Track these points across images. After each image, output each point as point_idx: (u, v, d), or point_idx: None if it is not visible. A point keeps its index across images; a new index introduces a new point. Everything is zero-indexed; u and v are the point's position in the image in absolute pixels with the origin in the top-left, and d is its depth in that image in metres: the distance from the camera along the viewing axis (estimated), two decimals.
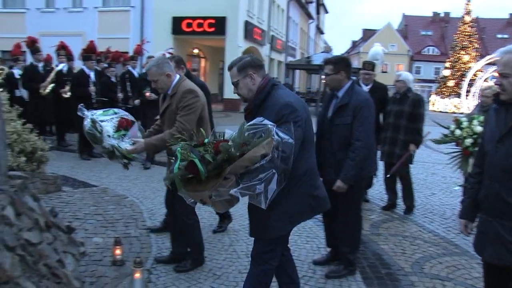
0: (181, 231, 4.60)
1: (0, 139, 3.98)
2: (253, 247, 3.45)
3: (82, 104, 4.27)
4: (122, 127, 4.10)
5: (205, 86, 5.41)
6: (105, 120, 4.09)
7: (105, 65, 11.30)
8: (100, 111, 4.24)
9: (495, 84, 2.79)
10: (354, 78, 5.27)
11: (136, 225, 5.62)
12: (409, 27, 76.19)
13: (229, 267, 4.59)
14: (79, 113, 4.14)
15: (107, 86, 10.24)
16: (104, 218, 5.78)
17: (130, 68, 11.51)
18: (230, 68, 3.38)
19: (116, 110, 4.31)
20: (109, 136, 4.05)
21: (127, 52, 14.94)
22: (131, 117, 4.25)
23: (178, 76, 4.44)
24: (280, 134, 2.87)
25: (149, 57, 9.69)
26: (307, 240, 5.41)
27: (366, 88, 6.78)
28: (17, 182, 4.11)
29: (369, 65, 6.88)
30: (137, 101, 10.22)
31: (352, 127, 4.20)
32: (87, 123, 4.05)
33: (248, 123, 2.95)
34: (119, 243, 4.50)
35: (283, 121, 3.04)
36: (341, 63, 4.41)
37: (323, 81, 5.07)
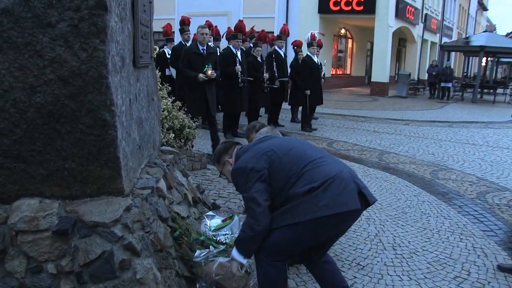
0: None
1: (156, 115, 4.32)
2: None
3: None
4: None
5: None
6: None
7: (250, 45, 11.64)
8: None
9: None
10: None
11: None
12: None
13: (374, 258, 4.53)
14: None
15: (253, 66, 10.56)
16: None
17: (277, 48, 11.77)
18: (214, 164, 3.75)
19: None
20: None
21: (272, 32, 15.28)
22: None
23: None
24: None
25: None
26: (461, 237, 5.15)
27: None
28: (168, 157, 4.44)
29: None
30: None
31: None
32: None
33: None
34: None
35: (239, 189, 3.23)
36: None
37: None
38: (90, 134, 2.89)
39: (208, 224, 4.09)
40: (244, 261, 3.16)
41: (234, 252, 3.16)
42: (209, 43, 11.70)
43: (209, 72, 8.14)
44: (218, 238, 3.88)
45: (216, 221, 4.21)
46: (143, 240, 3.00)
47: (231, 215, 4.34)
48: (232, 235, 3.98)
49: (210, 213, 4.47)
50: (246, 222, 3.09)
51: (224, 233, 4.03)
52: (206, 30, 8.48)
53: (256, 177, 3.08)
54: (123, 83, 3.12)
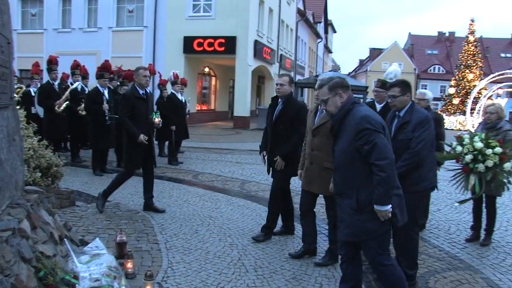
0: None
1: (18, 155, 4.06)
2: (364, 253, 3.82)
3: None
4: None
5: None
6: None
7: (118, 83, 11.43)
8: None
9: None
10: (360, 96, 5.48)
11: (147, 239, 5.64)
12: (415, 46, 76.27)
13: (237, 281, 4.58)
14: None
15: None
16: (117, 232, 5.79)
17: None
18: (320, 87, 3.80)
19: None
20: None
21: None
22: None
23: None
24: None
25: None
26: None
27: (379, 107, 6.65)
28: (33, 196, 4.18)
29: (378, 83, 6.72)
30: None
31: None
32: None
33: None
34: (130, 257, 4.52)
35: (361, 133, 3.45)
36: (406, 86, 4.67)
37: (390, 102, 5.09)
38: None
39: (75, 261, 3.90)
40: (388, 207, 3.44)
41: (378, 207, 3.45)
42: (77, 82, 11.39)
43: (157, 120, 7.24)
44: (90, 273, 3.72)
45: (85, 257, 4.03)
46: (2, 284, 2.78)
47: (99, 251, 4.19)
48: (104, 268, 3.84)
49: (78, 249, 4.28)
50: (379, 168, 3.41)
51: (94, 267, 3.86)
52: (148, 72, 7.19)
53: (378, 133, 3.48)
54: None
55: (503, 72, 34.83)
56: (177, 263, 4.94)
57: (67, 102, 10.74)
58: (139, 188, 8.33)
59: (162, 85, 12.81)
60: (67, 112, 10.83)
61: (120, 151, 10.70)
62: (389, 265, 3.66)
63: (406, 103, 4.60)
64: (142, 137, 6.67)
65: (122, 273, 4.08)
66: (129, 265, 4.49)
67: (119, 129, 10.16)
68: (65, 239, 4.19)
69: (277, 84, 5.92)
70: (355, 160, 3.54)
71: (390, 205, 3.45)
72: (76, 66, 11.95)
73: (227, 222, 6.61)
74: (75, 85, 11.27)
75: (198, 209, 7.23)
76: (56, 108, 10.54)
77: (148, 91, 7.31)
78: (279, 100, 5.92)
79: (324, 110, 4.82)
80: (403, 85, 4.66)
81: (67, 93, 10.80)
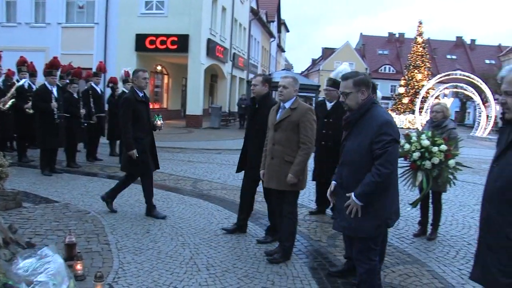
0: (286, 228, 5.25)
1: None
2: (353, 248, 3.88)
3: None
4: None
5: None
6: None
7: (67, 81, 11.18)
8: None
9: (500, 102, 2.72)
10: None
11: (97, 240, 5.54)
12: (367, 47, 77.94)
13: (189, 280, 4.56)
14: None
15: (70, 102, 10.14)
16: (66, 233, 5.65)
17: (93, 85, 11.46)
18: (345, 79, 3.76)
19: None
20: None
21: (90, 69, 14.82)
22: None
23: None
24: None
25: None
26: (266, 252, 5.43)
27: (329, 105, 6.81)
28: None
29: (329, 81, 6.82)
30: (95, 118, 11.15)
31: None
32: None
33: None
34: (80, 258, 4.43)
35: (381, 137, 3.51)
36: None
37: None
38: None
39: (21, 265, 3.78)
40: (359, 203, 3.56)
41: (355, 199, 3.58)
42: (23, 79, 11.06)
43: (159, 123, 7.03)
44: (36, 277, 3.62)
45: (31, 260, 3.92)
46: None
47: (47, 252, 4.08)
48: (52, 271, 3.75)
49: (24, 252, 4.15)
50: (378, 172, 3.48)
51: (41, 270, 3.77)
52: (147, 74, 6.94)
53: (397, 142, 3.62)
54: None
55: (449, 73, 36.19)
56: (128, 264, 4.87)
57: (12, 100, 10.37)
58: (90, 188, 8.23)
59: (113, 83, 12.62)
60: (13, 110, 10.47)
61: (70, 150, 10.48)
62: (375, 260, 3.75)
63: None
64: (134, 152, 6.55)
65: (71, 275, 4.00)
66: (79, 266, 4.40)
67: (69, 127, 9.95)
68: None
69: (251, 85, 5.98)
70: (367, 159, 3.58)
71: (362, 204, 3.55)
72: (22, 63, 11.59)
73: (179, 221, 6.57)
74: (21, 82, 10.92)
75: None
76: (0, 106, 10.19)
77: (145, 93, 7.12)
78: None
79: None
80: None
81: (12, 90, 10.41)
